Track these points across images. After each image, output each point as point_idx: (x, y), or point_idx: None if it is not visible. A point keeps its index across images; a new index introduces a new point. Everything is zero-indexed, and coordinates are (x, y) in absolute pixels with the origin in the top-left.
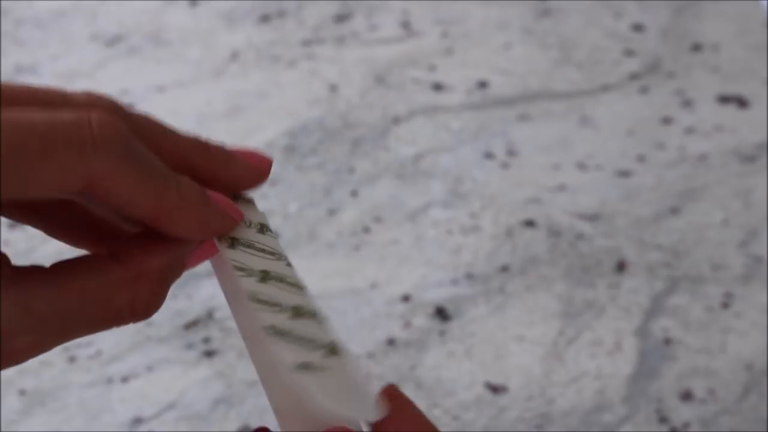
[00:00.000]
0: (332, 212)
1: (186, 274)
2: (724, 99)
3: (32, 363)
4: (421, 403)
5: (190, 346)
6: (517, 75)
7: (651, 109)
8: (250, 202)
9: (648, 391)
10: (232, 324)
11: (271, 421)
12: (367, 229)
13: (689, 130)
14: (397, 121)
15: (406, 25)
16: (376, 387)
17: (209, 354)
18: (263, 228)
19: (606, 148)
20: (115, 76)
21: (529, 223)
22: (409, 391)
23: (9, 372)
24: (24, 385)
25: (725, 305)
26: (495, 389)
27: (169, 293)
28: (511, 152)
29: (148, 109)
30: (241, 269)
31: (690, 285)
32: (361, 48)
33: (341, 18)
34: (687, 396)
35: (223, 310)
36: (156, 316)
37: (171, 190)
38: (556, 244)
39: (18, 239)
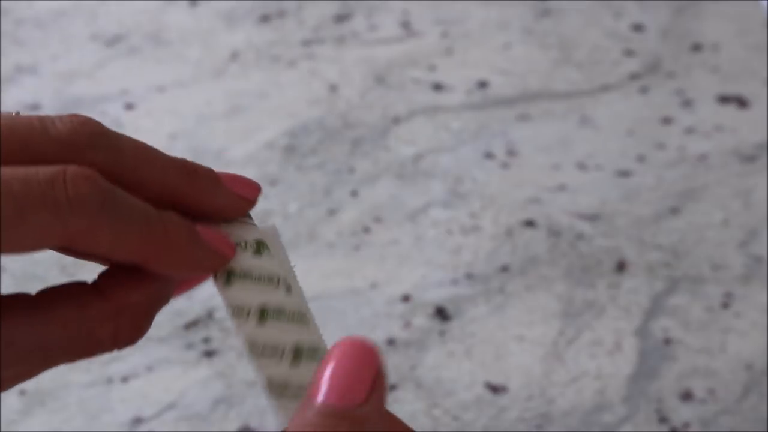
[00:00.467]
0: (332, 212)
1: None
2: (724, 99)
3: None
4: (421, 403)
5: (190, 346)
6: (517, 75)
7: (651, 109)
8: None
9: (648, 391)
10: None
11: (271, 422)
12: (367, 229)
13: (689, 130)
14: (397, 121)
15: (406, 25)
16: None
17: (209, 354)
18: (260, 247)
19: (606, 148)
20: (115, 76)
21: (529, 223)
22: (409, 391)
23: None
24: (24, 385)
25: (725, 305)
26: (495, 389)
27: None
28: (511, 152)
29: (148, 109)
30: (239, 311)
31: (690, 285)
32: (361, 48)
33: (341, 18)
34: (687, 396)
35: (223, 310)
36: (156, 316)
37: (156, 233)
38: (556, 244)
39: None
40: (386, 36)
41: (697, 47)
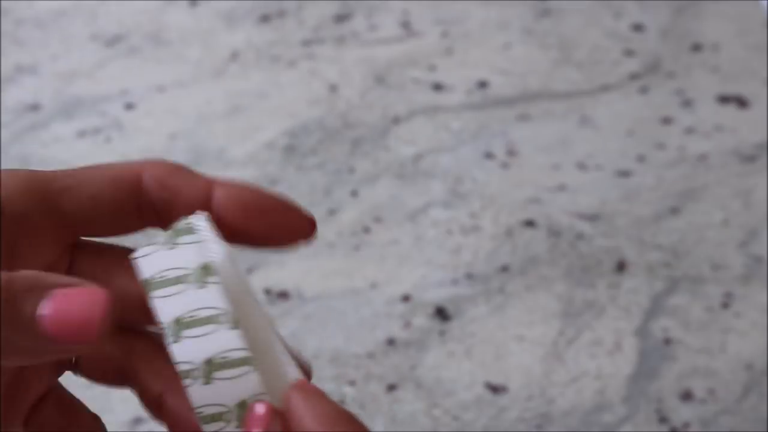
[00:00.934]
0: (332, 212)
1: None
2: (724, 99)
3: None
4: (421, 403)
5: None
6: (517, 75)
7: (651, 109)
8: (188, 231)
9: (648, 391)
10: None
11: None
12: (367, 229)
13: (689, 130)
14: (397, 121)
15: (406, 25)
16: (373, 389)
17: None
18: (207, 271)
19: (606, 148)
20: (115, 76)
21: (529, 223)
22: (409, 391)
23: None
24: None
25: (725, 305)
26: (495, 389)
27: None
28: (511, 152)
29: (148, 109)
30: (187, 374)
31: (690, 285)
32: (361, 48)
33: (341, 18)
34: (687, 396)
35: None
36: None
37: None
38: (556, 244)
39: None
40: (386, 36)
41: (697, 47)
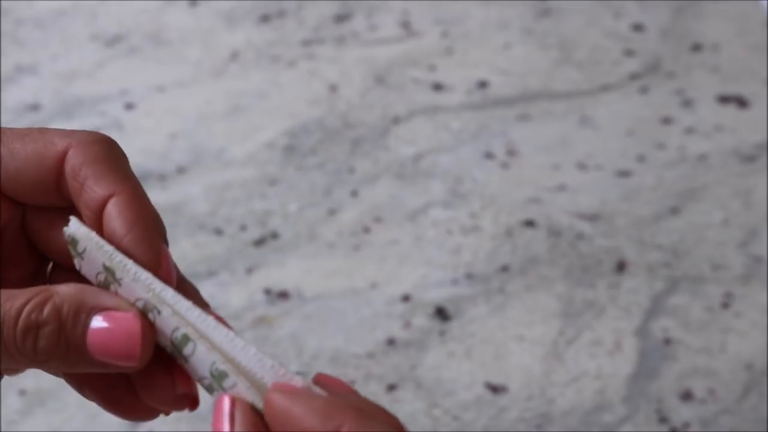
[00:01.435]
0: (332, 212)
1: (186, 274)
2: (724, 99)
3: None
4: (421, 403)
5: None
6: (517, 75)
7: (651, 109)
8: (74, 243)
9: (648, 391)
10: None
11: None
12: (367, 229)
13: (689, 130)
14: (397, 121)
15: (406, 25)
16: (373, 387)
17: None
18: (109, 275)
19: (606, 148)
20: (115, 76)
21: (529, 223)
22: (409, 391)
23: None
24: (24, 385)
25: (725, 305)
26: (495, 389)
27: None
28: (511, 152)
29: (148, 109)
30: (211, 388)
31: (690, 285)
32: (361, 48)
33: (341, 18)
34: (687, 396)
35: (222, 310)
36: None
37: None
38: (556, 244)
39: None
40: (386, 36)
41: (697, 47)
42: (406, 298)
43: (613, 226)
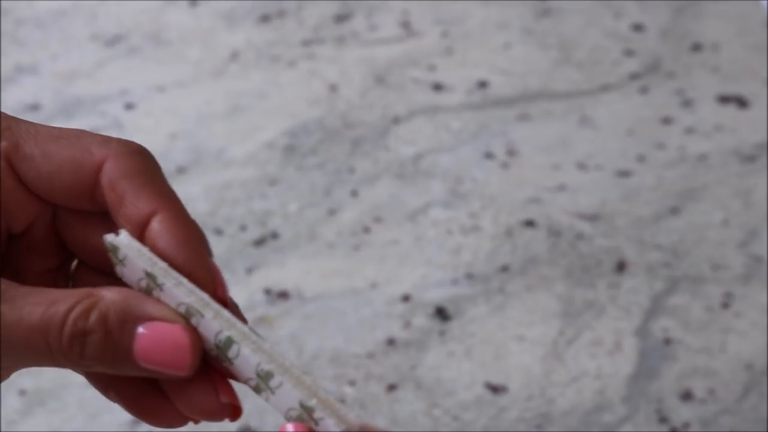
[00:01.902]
0: (332, 212)
1: None
2: (724, 99)
3: None
4: (421, 403)
5: None
6: (517, 75)
7: (651, 109)
8: (115, 250)
9: (648, 391)
10: None
11: (270, 422)
12: (367, 229)
13: (689, 130)
14: (397, 121)
15: (406, 25)
16: (373, 388)
17: None
18: (151, 281)
19: (606, 148)
20: (115, 76)
21: (529, 223)
22: (409, 391)
23: None
24: (24, 385)
25: (725, 305)
26: (495, 389)
27: None
28: (511, 152)
29: (148, 109)
30: (259, 389)
31: (690, 285)
32: (361, 48)
33: (341, 18)
34: (687, 396)
35: None
36: None
37: None
38: (556, 244)
39: None
40: (386, 36)
41: (697, 47)
42: (406, 298)
43: (613, 226)
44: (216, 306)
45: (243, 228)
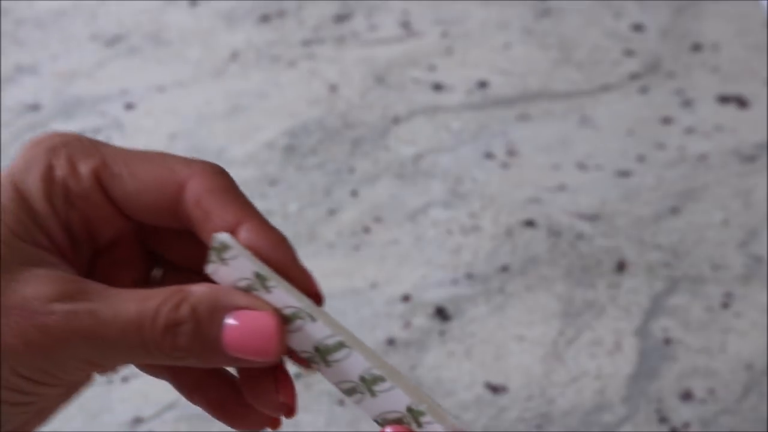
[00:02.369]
0: (332, 212)
1: None
2: (724, 99)
3: None
4: None
5: None
6: (517, 75)
7: (651, 109)
8: (224, 249)
9: (648, 391)
10: None
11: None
12: (367, 229)
13: (689, 130)
14: (397, 121)
15: (406, 25)
16: None
17: None
18: (259, 281)
19: (606, 148)
20: (115, 76)
21: (529, 223)
22: None
23: None
24: None
25: (725, 305)
26: (495, 389)
27: None
28: (511, 152)
29: (148, 109)
30: (353, 391)
31: (690, 285)
32: (361, 48)
33: (341, 18)
34: (687, 396)
35: None
36: None
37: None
38: (556, 244)
39: None
40: (386, 36)
41: (697, 47)
42: (406, 298)
43: (613, 226)
44: (325, 312)
45: None
